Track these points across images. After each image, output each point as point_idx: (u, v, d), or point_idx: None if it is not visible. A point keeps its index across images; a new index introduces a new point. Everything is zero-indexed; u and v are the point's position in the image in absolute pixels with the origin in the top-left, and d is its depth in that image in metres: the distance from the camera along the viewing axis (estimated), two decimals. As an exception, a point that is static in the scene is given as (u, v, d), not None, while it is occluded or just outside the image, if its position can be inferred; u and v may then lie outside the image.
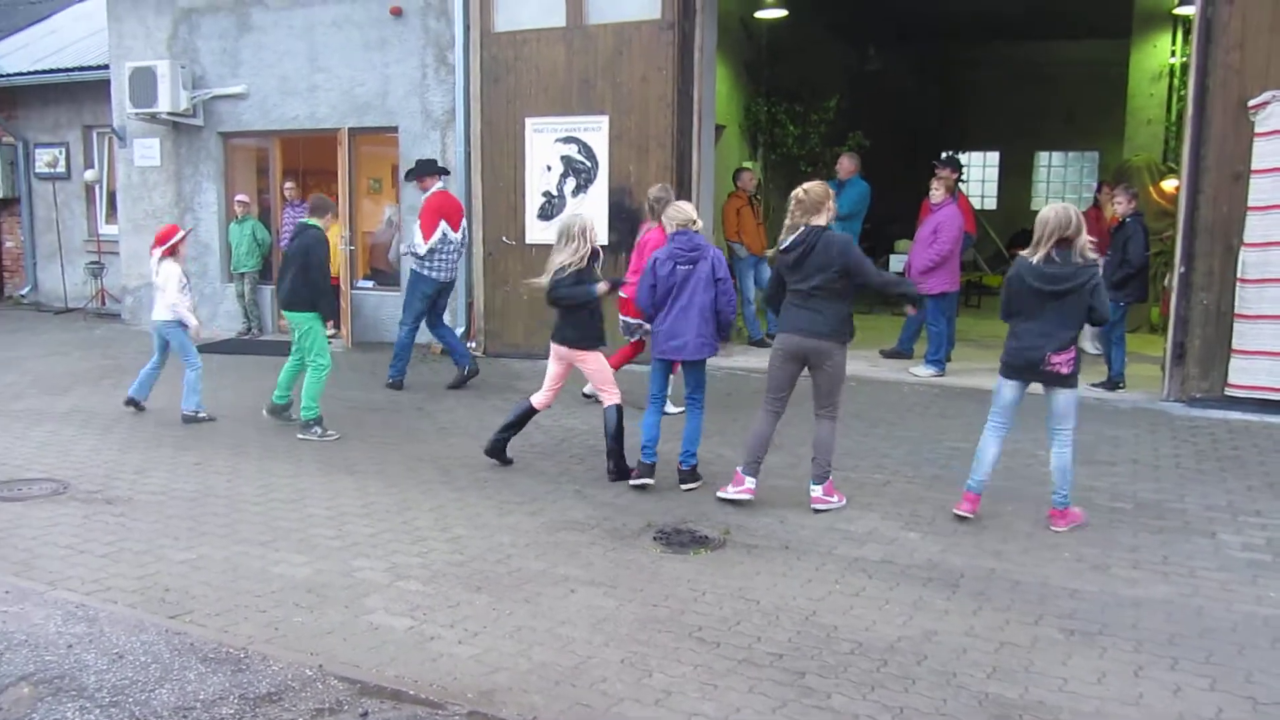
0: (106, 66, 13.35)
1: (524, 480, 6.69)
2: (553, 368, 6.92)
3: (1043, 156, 21.42)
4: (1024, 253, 5.70)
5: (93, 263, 14.78)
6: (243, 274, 12.54)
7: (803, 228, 5.97)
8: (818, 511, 6.01)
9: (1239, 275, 8.06)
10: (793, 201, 6.03)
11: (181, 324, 8.26)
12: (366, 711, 3.82)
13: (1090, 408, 8.48)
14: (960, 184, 10.56)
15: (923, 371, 9.71)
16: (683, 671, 4.12)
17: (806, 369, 6.08)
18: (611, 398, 6.73)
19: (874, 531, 5.69)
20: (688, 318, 6.39)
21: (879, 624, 4.54)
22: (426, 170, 9.63)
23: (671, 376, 7.01)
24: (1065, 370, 5.62)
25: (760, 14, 14.09)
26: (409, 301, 9.59)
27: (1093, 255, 5.58)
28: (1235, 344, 8.14)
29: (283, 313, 7.99)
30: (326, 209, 8.18)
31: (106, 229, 14.88)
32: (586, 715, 3.81)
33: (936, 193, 9.83)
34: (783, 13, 14.01)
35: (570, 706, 3.86)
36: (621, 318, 8.34)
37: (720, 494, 6.21)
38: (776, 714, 3.80)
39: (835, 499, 6.12)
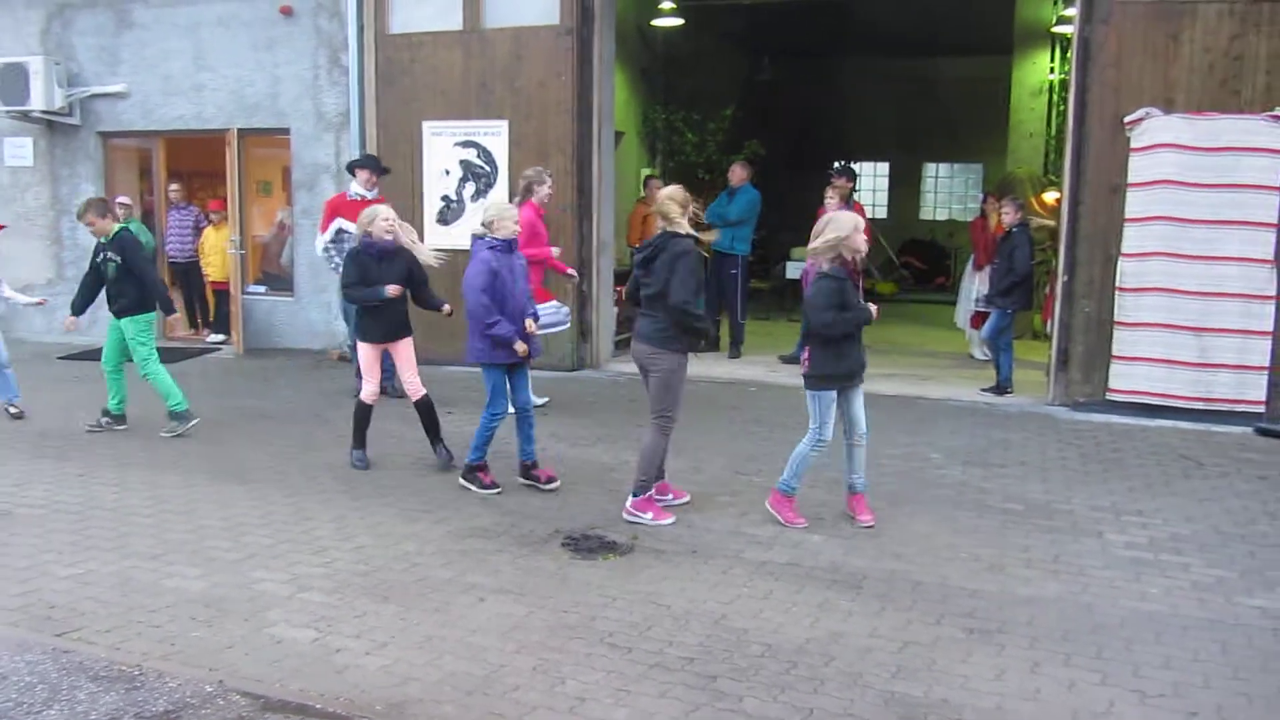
0: (-28, 61, 12.71)
1: (428, 488, 6.59)
2: (371, 356, 7.08)
3: (930, 168, 22.11)
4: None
5: (-42, 265, 14.02)
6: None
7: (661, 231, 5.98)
8: (628, 523, 5.90)
9: (1118, 284, 8.43)
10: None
11: None
12: (271, 728, 3.72)
13: (980, 412, 8.78)
14: (853, 193, 10.79)
15: (819, 377, 9.86)
16: (595, 678, 4.10)
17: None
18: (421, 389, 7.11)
19: (779, 535, 5.76)
20: None
21: (787, 626, 4.60)
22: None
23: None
24: None
25: (657, 22, 14.23)
26: None
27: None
28: (1115, 350, 8.50)
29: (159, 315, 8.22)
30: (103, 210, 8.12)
31: (-27, 231, 14.14)
32: (500, 725, 3.77)
33: (831, 201, 10.01)
34: (679, 21, 14.18)
35: (483, 716, 3.81)
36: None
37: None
38: (690, 718, 3.81)
39: (648, 515, 5.91)
